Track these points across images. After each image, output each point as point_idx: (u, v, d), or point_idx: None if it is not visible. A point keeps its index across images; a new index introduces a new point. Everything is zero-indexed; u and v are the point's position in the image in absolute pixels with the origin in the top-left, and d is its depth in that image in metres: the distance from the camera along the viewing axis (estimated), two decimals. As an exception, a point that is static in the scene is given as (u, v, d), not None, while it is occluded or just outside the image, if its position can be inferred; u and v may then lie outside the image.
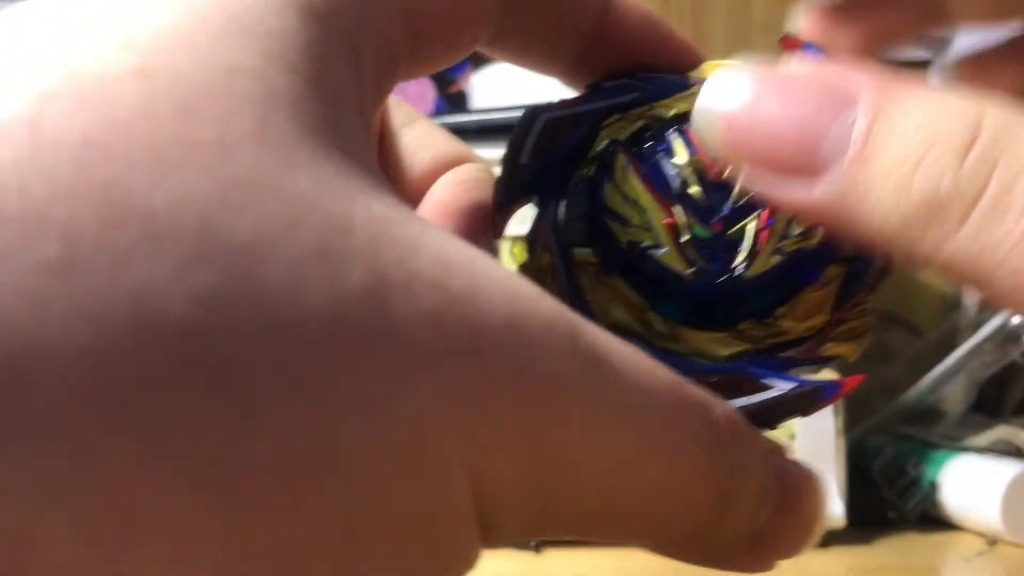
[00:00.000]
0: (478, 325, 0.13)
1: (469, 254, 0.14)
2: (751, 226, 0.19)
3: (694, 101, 0.19)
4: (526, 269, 0.20)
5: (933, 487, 0.48)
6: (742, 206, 0.19)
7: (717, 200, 0.19)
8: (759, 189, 0.16)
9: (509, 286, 0.14)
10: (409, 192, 0.23)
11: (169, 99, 0.12)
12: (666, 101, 0.20)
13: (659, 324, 0.19)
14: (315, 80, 0.14)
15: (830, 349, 0.19)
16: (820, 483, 0.18)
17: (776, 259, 0.19)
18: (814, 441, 0.45)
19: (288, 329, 0.12)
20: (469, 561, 0.14)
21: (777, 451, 0.18)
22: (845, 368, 0.20)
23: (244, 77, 0.13)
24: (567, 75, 0.21)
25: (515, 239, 0.21)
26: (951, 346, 0.52)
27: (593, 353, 0.14)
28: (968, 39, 0.79)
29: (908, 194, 0.15)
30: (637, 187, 0.19)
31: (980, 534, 0.46)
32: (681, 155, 0.19)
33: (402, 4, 0.16)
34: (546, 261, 0.19)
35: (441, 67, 0.19)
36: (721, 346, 0.19)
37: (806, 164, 0.16)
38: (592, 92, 0.20)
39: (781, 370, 0.19)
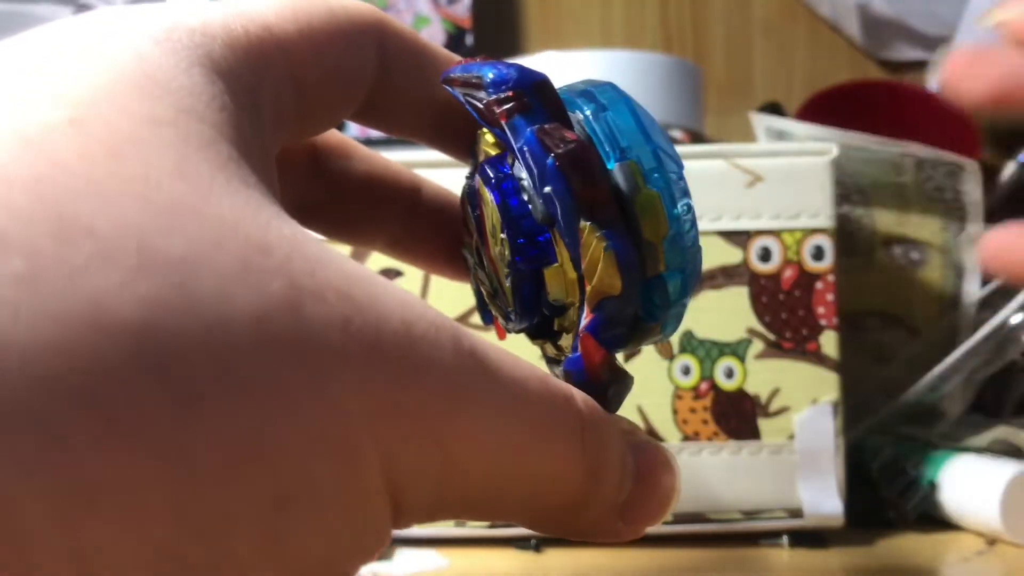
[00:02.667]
0: (380, 328, 0.15)
1: (364, 269, 0.16)
2: (494, 274, 0.21)
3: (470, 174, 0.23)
4: None
5: (932, 487, 0.48)
6: (485, 262, 0.22)
7: (484, 266, 0.22)
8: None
9: (400, 295, 0.16)
10: None
11: (100, 143, 0.14)
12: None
13: (550, 350, 0.22)
14: (221, 128, 0.16)
15: (594, 288, 0.20)
16: (671, 457, 0.21)
17: (508, 282, 0.21)
18: (813, 441, 0.45)
19: (221, 329, 0.14)
20: (383, 536, 0.16)
21: (633, 430, 0.21)
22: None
23: (162, 126, 0.15)
24: (427, 142, 0.24)
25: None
26: (951, 346, 0.52)
27: (475, 351, 0.17)
28: (968, 38, 0.79)
29: None
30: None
31: (979, 534, 0.46)
32: (466, 242, 0.22)
33: (291, 70, 0.19)
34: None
35: (318, 133, 0.22)
36: (568, 347, 0.21)
37: None
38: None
39: (600, 340, 0.20)
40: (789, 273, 0.46)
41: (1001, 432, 0.48)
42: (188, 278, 0.14)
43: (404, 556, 0.44)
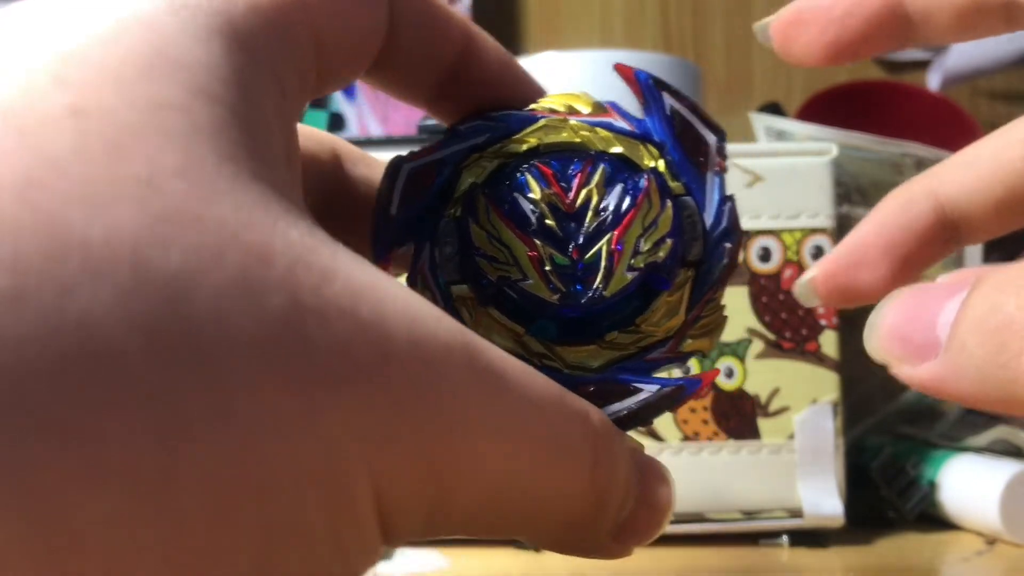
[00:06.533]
0: (384, 350, 0.14)
1: (375, 277, 0.15)
2: (604, 249, 0.21)
3: (542, 133, 0.22)
4: None
5: (932, 487, 0.48)
6: (594, 231, 0.21)
7: (571, 228, 0.21)
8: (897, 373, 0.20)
9: (411, 309, 0.15)
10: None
11: (101, 137, 0.13)
12: (517, 136, 0.22)
13: (535, 345, 0.21)
14: (237, 109, 0.15)
15: (689, 345, 0.22)
16: (669, 475, 0.20)
17: (631, 275, 0.21)
18: (813, 441, 0.45)
19: (214, 356, 0.13)
20: (372, 558, 0.16)
21: (638, 449, 0.20)
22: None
23: (170, 112, 0.14)
24: (428, 105, 0.23)
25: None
26: (950, 346, 0.52)
27: (489, 370, 0.16)
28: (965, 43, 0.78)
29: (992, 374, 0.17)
30: (500, 225, 0.21)
31: (979, 533, 0.46)
32: (535, 190, 0.22)
33: (313, 32, 0.18)
34: (428, 299, 0.22)
35: (333, 91, 0.20)
36: (592, 358, 0.21)
37: (918, 354, 0.19)
38: (449, 136, 0.22)
39: (648, 371, 0.21)
40: (789, 273, 0.46)
41: (1001, 432, 0.49)
42: (183, 296, 0.13)
43: (404, 556, 0.44)
